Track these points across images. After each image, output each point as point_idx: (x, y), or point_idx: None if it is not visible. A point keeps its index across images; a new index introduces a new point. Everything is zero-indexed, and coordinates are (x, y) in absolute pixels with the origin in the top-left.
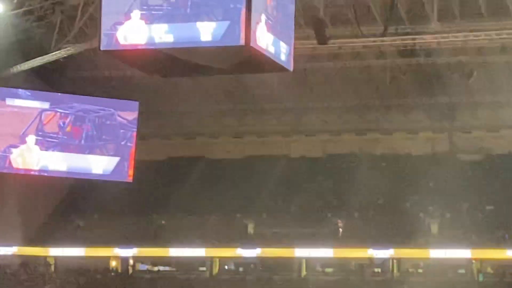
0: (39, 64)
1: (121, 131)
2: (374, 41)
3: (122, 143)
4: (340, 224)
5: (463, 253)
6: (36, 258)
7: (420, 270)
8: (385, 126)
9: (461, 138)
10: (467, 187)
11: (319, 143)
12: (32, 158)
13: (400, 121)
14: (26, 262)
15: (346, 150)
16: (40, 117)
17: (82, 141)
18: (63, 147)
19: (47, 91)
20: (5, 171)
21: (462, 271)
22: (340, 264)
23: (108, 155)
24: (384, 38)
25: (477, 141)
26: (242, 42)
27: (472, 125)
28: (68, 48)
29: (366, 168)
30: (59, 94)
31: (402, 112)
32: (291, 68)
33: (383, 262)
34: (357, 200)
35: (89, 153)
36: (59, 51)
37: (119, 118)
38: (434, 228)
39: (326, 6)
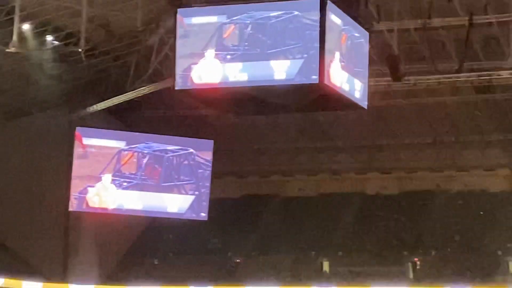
0: (115, 103)
1: (199, 171)
2: (449, 78)
3: (200, 183)
4: (416, 262)
5: None
6: None
7: None
8: (461, 163)
9: None
10: None
11: (394, 180)
12: (108, 197)
13: (477, 157)
14: None
15: (422, 187)
16: (118, 157)
17: (160, 182)
18: (140, 186)
19: (123, 130)
20: (80, 210)
21: None
22: None
23: (185, 194)
24: (460, 74)
25: None
26: (316, 80)
27: None
28: (144, 87)
29: (442, 205)
30: (135, 133)
31: (478, 149)
32: (365, 106)
33: None
34: (434, 237)
35: (167, 192)
36: (134, 91)
37: (197, 158)
38: None
39: (400, 43)
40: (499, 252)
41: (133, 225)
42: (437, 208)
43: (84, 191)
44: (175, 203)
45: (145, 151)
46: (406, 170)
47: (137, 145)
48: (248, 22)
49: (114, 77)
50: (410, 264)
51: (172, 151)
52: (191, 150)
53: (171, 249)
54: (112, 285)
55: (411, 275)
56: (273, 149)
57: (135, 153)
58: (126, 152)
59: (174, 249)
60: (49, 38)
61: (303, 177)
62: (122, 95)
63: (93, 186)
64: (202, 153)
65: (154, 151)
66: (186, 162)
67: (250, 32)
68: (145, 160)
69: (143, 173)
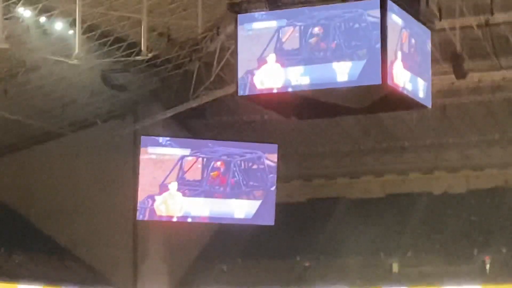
0: (178, 111)
1: (269, 175)
2: None
3: (268, 187)
4: (487, 260)
5: None
6: None
7: None
8: None
9: None
10: None
11: (461, 179)
12: (175, 204)
13: None
14: None
15: (489, 185)
16: (181, 164)
17: (227, 188)
18: (207, 193)
19: (187, 137)
20: (147, 219)
21: None
22: None
23: (253, 199)
24: None
25: None
26: (379, 80)
27: None
28: (206, 94)
29: (511, 202)
30: (200, 140)
31: None
32: (429, 105)
33: None
34: (504, 235)
35: (234, 198)
36: (197, 98)
37: (266, 161)
38: None
39: (463, 39)
40: None
41: (200, 232)
42: (506, 205)
43: (150, 200)
44: (242, 209)
45: (210, 157)
46: (473, 168)
47: (201, 150)
48: (309, 23)
49: (177, 85)
50: (484, 262)
51: (239, 155)
52: (260, 153)
53: (239, 254)
54: None
55: (487, 272)
56: (338, 151)
57: (199, 159)
58: (189, 158)
59: (243, 254)
60: (111, 48)
61: (369, 178)
62: (185, 103)
63: (159, 195)
64: (271, 156)
65: (220, 156)
66: (255, 166)
67: (311, 34)
68: (210, 166)
69: (209, 180)
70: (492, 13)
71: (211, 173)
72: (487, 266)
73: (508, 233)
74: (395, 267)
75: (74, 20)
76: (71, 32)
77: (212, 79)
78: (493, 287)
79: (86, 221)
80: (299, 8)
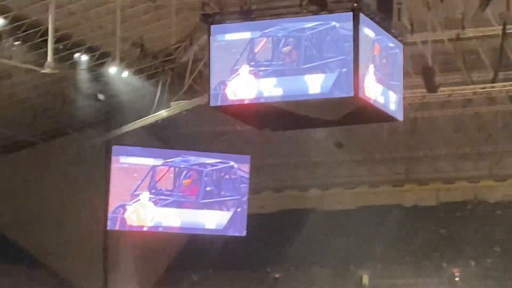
0: (150, 121)
1: (241, 185)
2: (484, 88)
3: (240, 198)
4: (456, 274)
5: None
6: None
7: None
8: (498, 173)
9: None
10: None
11: (432, 192)
12: (146, 214)
13: None
14: None
15: (460, 198)
16: (153, 173)
17: (199, 198)
18: (178, 203)
19: (159, 147)
20: (118, 228)
21: None
22: None
23: (225, 210)
24: (495, 84)
25: None
26: (351, 93)
27: None
28: (179, 105)
29: (481, 216)
30: (173, 150)
31: None
32: (401, 118)
33: None
34: (473, 248)
35: (206, 209)
36: (169, 108)
37: (238, 171)
38: None
39: (434, 53)
40: None
41: (172, 242)
42: (476, 218)
43: (122, 209)
44: (214, 219)
45: (182, 166)
46: (443, 181)
47: (173, 159)
48: (281, 35)
49: (149, 95)
50: (453, 274)
51: (211, 164)
52: (232, 163)
53: (210, 265)
54: None
55: (456, 285)
56: (310, 163)
57: (171, 168)
58: (161, 167)
59: (214, 265)
60: (83, 58)
61: (340, 190)
62: (157, 113)
63: (130, 204)
64: (242, 166)
65: (192, 165)
66: (227, 176)
67: (284, 45)
68: (182, 176)
69: (180, 190)
70: (463, 28)
71: (183, 182)
72: (456, 279)
73: (477, 247)
74: (365, 279)
75: (47, 29)
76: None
77: (184, 89)
78: None
79: (56, 230)
80: (272, 20)
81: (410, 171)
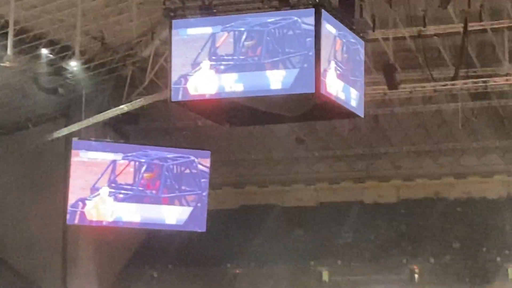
0: (111, 116)
1: (201, 180)
2: (445, 85)
3: (200, 193)
4: (416, 270)
5: None
6: None
7: None
8: (459, 170)
9: None
10: None
11: (392, 189)
12: (106, 209)
13: (474, 164)
14: None
15: (420, 195)
16: (112, 168)
17: (159, 193)
18: (138, 198)
19: (119, 142)
20: (77, 223)
21: None
22: None
23: (185, 205)
24: (455, 82)
25: None
26: (312, 89)
27: None
28: (140, 100)
29: (441, 213)
30: (133, 145)
31: (476, 155)
32: (362, 114)
33: None
34: (433, 245)
35: (166, 204)
36: (130, 103)
37: (199, 166)
38: None
39: (396, 50)
40: (498, 259)
41: (131, 237)
42: (436, 215)
43: (81, 203)
44: (174, 215)
45: (142, 160)
46: (404, 178)
47: (133, 154)
48: (243, 29)
49: (110, 90)
50: (413, 271)
51: (172, 159)
52: (193, 158)
53: (170, 260)
54: None
55: (415, 281)
56: (270, 159)
57: (131, 162)
58: (121, 162)
59: (174, 260)
60: (44, 51)
61: (301, 187)
62: (117, 108)
63: (90, 199)
64: (202, 160)
65: (152, 160)
66: (187, 170)
67: (245, 40)
68: (142, 170)
69: (140, 184)
70: (424, 25)
71: (143, 177)
72: (416, 275)
73: (436, 244)
74: (325, 276)
75: (6, 22)
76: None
77: (145, 84)
78: None
79: (14, 225)
80: (234, 14)
81: (371, 168)
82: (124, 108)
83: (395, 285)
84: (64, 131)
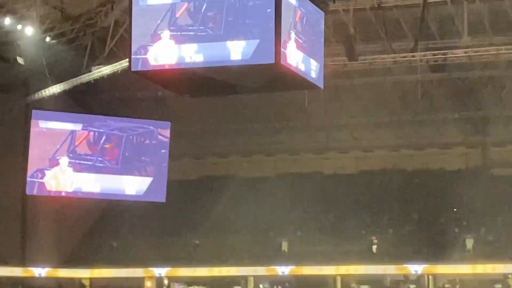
0: (71, 86)
1: (161, 151)
2: (404, 57)
3: (160, 164)
4: (374, 241)
5: (499, 268)
6: (71, 280)
7: (457, 287)
8: (417, 142)
9: (495, 152)
10: (502, 202)
11: (351, 160)
12: (65, 180)
13: (433, 136)
14: (61, 284)
15: (379, 167)
16: (72, 138)
17: (118, 163)
18: (97, 169)
19: (79, 112)
20: (36, 193)
21: (498, 286)
22: (375, 281)
23: (145, 176)
24: (415, 54)
25: (510, 155)
26: (272, 60)
27: (506, 139)
28: (100, 69)
29: (400, 185)
30: (93, 115)
31: (434, 127)
32: (322, 85)
33: (418, 278)
34: (391, 216)
35: (126, 174)
36: (90, 73)
37: (159, 137)
38: (469, 243)
39: (356, 22)
40: (456, 230)
41: (91, 208)
42: (394, 186)
43: (39, 174)
44: (134, 185)
45: (102, 130)
46: (363, 149)
47: (93, 124)
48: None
49: (70, 60)
50: (371, 242)
51: (131, 129)
52: (153, 128)
53: (130, 231)
54: (70, 268)
55: (373, 252)
56: (231, 130)
57: (91, 133)
58: (81, 132)
59: (133, 231)
60: (2, 20)
61: (261, 158)
62: (77, 77)
63: (49, 169)
64: (162, 131)
65: (112, 130)
66: (147, 141)
67: (205, 10)
68: (102, 140)
69: (100, 154)
70: None
71: (103, 147)
72: (374, 247)
73: (395, 215)
74: (285, 246)
75: None
76: None
77: (105, 54)
78: (379, 267)
79: None
80: None
81: (330, 139)
82: (84, 77)
83: (354, 256)
84: (24, 100)
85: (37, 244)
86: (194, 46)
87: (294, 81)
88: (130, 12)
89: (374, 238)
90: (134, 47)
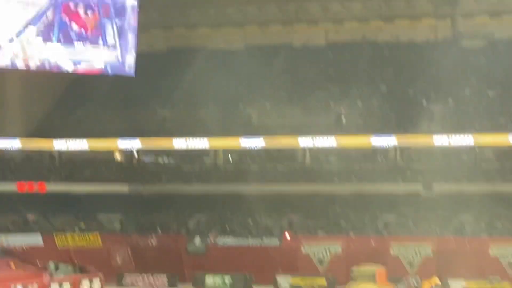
0: None
1: (129, 21)
2: None
3: (129, 34)
4: (343, 113)
5: (466, 139)
6: (40, 151)
7: (422, 157)
8: (387, 13)
9: (464, 24)
10: (470, 73)
11: (321, 32)
12: (33, 51)
13: (403, 7)
14: (30, 155)
15: (348, 39)
16: (42, 9)
17: (88, 35)
18: (67, 40)
19: None
20: (5, 65)
21: (464, 157)
22: (343, 153)
23: (112, 48)
24: None
25: (479, 26)
26: None
27: (475, 10)
28: None
29: (369, 57)
30: None
31: None
32: None
33: (387, 150)
34: (360, 88)
35: (95, 46)
36: None
37: (128, 8)
38: (437, 115)
39: None
40: (424, 102)
41: (59, 80)
42: (364, 59)
43: (6, 45)
44: (102, 58)
45: (74, 3)
46: (332, 21)
47: None
48: None
49: None
50: (340, 114)
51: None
52: None
53: (98, 104)
54: (39, 139)
55: (342, 123)
56: (200, 1)
57: (63, 4)
58: (52, 2)
59: (102, 104)
60: None
61: (230, 29)
62: None
63: (17, 39)
64: (130, 1)
65: (82, 0)
66: (117, 13)
67: None
68: (71, 11)
69: (70, 26)
70: None
71: (72, 17)
72: (343, 118)
73: (364, 87)
74: (254, 118)
75: None
76: None
77: None
78: (347, 139)
79: None
80: None
81: (300, 11)
82: None
83: (323, 128)
84: None
85: (3, 117)
86: None
87: None
88: None
89: (343, 110)
90: None
